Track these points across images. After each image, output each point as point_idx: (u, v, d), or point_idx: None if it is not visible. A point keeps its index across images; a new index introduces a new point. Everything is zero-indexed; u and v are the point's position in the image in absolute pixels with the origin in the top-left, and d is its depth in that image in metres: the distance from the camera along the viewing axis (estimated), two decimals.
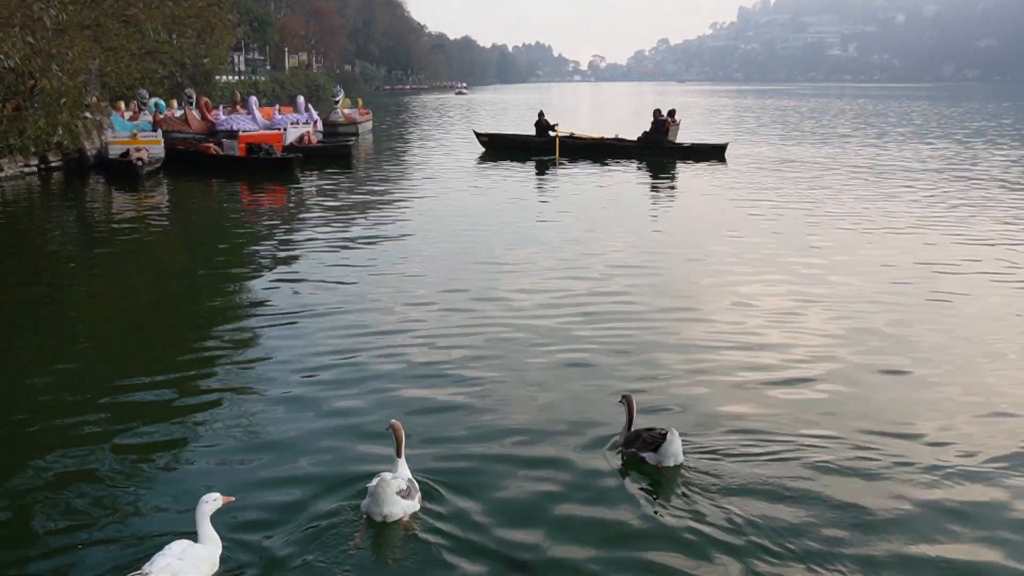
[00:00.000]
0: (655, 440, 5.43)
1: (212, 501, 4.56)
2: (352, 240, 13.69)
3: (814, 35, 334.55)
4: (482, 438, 6.05)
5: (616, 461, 5.66)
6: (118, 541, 4.77)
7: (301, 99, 33.31)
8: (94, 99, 24.09)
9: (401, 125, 46.51)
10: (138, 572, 4.16)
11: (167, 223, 16.18)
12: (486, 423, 6.32)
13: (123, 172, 21.54)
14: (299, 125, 28.67)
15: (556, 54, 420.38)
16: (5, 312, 9.76)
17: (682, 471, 5.45)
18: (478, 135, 29.89)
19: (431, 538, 4.80)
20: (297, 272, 11.49)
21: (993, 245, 13.10)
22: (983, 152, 28.43)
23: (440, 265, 11.75)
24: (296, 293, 10.28)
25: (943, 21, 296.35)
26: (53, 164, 22.92)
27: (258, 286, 10.79)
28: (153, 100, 28.28)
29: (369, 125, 40.11)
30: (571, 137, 28.14)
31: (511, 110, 65.97)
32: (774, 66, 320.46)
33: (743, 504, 5.08)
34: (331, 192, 19.71)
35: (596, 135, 29.04)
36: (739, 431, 6.15)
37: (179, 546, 4.35)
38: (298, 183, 21.19)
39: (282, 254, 12.91)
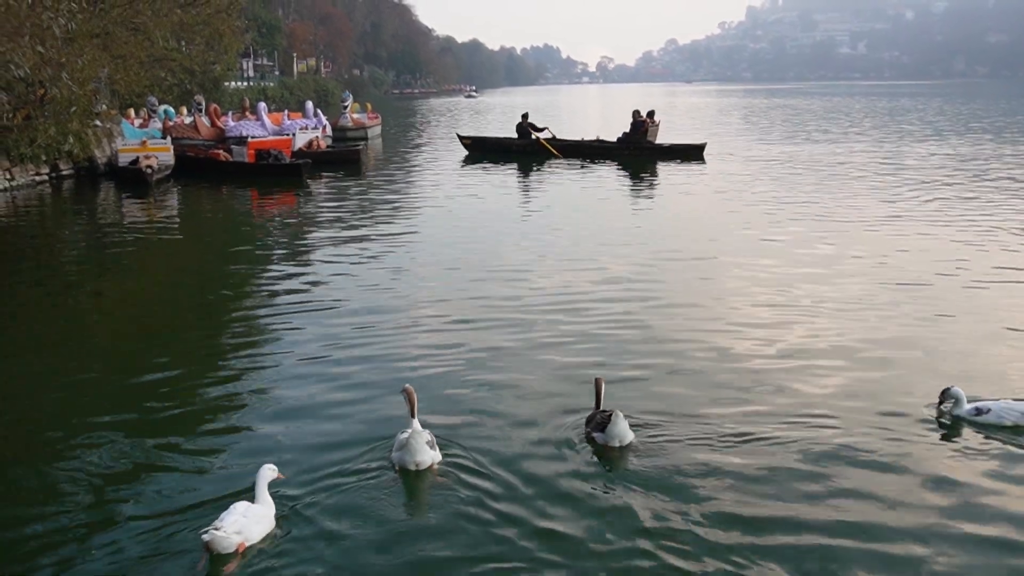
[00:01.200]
0: (603, 422, 5.79)
1: (270, 471, 5.11)
2: (361, 243, 13.77)
3: (823, 33, 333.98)
4: (475, 412, 6.60)
5: (580, 439, 6.05)
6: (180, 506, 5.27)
7: (310, 104, 33.37)
8: (104, 107, 24.23)
9: (411, 129, 46.59)
10: (211, 527, 4.68)
11: (178, 229, 16.25)
12: (482, 400, 6.87)
13: (133, 180, 21.62)
14: (308, 130, 28.74)
15: (564, 56, 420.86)
16: (21, 317, 9.82)
17: (631, 452, 5.77)
18: (461, 138, 30.44)
19: (454, 482, 5.46)
20: (307, 275, 11.63)
21: (961, 243, 13.13)
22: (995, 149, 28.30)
23: (447, 266, 11.89)
24: (308, 294, 10.48)
25: (953, 17, 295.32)
26: (64, 173, 23.04)
27: (270, 288, 10.94)
28: (163, 107, 28.43)
29: (378, 130, 40.13)
30: (553, 140, 28.35)
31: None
32: (783, 65, 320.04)
33: (676, 484, 5.38)
34: (340, 197, 19.76)
35: (576, 137, 29.39)
36: (696, 417, 6.43)
37: (242, 506, 4.87)
38: (307, 188, 21.25)
39: (292, 258, 13.05)
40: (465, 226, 15.48)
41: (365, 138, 36.02)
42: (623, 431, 5.73)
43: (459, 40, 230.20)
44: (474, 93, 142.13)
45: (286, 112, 33.06)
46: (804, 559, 4.60)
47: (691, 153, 26.51)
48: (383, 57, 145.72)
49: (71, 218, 17.90)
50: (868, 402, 6.71)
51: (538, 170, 24.46)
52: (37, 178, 21.94)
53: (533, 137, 28.22)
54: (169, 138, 24.64)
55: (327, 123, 32.96)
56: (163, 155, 22.99)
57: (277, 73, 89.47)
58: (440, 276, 11.33)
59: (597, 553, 4.66)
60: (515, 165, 25.57)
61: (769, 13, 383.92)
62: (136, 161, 22.13)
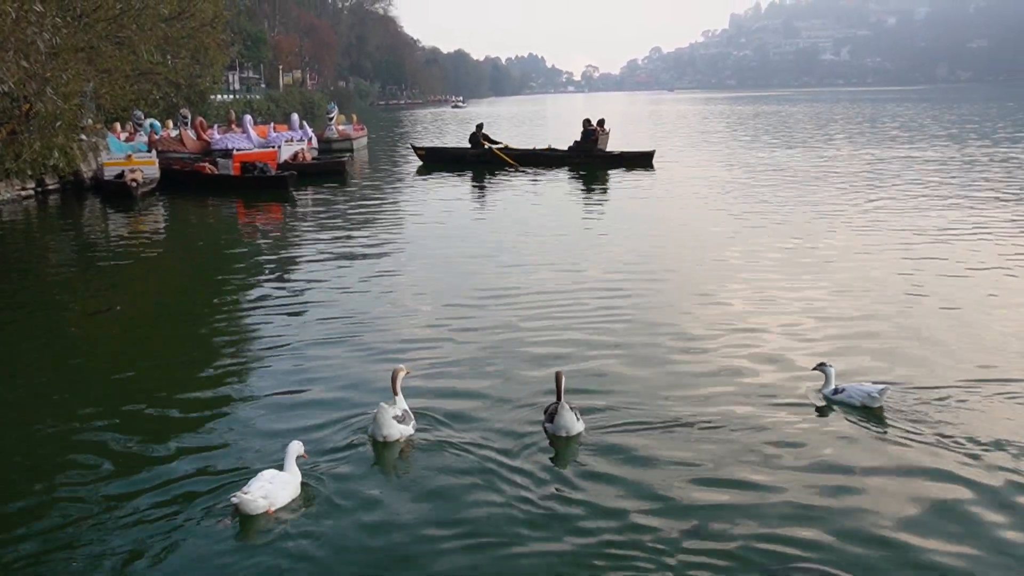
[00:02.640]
0: (552, 413, 6.16)
1: (298, 447, 5.56)
2: (346, 253, 13.90)
3: (806, 40, 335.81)
4: (450, 399, 7.14)
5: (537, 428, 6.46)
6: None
7: (295, 117, 33.38)
8: (89, 121, 24.23)
9: (397, 140, 46.66)
10: (241, 491, 5.12)
11: (164, 243, 16.29)
12: (456, 389, 7.39)
13: (119, 193, 21.63)
14: (293, 143, 28.79)
15: (549, 65, 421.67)
16: (7, 331, 9.83)
17: (578, 441, 6.16)
18: (415, 149, 31.23)
19: (419, 454, 6.07)
20: (293, 284, 11.80)
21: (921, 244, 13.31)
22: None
23: (433, 275, 12.11)
24: (294, 302, 10.68)
25: (935, 23, 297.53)
26: (50, 187, 23.02)
27: (256, 298, 11.06)
28: (148, 121, 28.41)
29: (364, 141, 40.19)
30: (505, 149, 28.86)
31: (504, 122, 66.23)
32: (767, 72, 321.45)
33: (616, 473, 5.72)
34: (325, 208, 19.85)
35: (529, 147, 30.16)
36: (644, 407, 6.84)
37: (269, 473, 5.32)
38: (293, 200, 21.31)
39: (278, 269, 13.15)
40: (447, 234, 15.78)
41: (351, 149, 36.04)
42: (569, 423, 6.10)
43: (444, 51, 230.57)
44: (461, 103, 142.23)
45: (272, 124, 33.09)
46: (730, 538, 4.89)
47: (640, 160, 27.19)
48: (368, 68, 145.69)
49: (57, 232, 17.91)
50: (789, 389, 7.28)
51: (497, 179, 24.97)
52: (23, 193, 21.92)
53: (486, 147, 28.78)
54: (155, 151, 24.65)
55: (313, 135, 32.99)
56: (149, 169, 23.00)
57: (263, 85, 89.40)
58: (424, 282, 11.60)
59: (522, 534, 4.98)
60: (472, 175, 26.14)
61: (752, 21, 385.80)
62: (122, 175, 22.14)
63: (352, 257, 13.67)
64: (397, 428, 6.17)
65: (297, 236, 16.14)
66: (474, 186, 23.82)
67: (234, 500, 5.11)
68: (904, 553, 4.74)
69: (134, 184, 21.49)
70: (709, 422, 6.51)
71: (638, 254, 13.27)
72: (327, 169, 26.80)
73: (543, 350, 8.37)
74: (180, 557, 4.84)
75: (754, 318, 9.48)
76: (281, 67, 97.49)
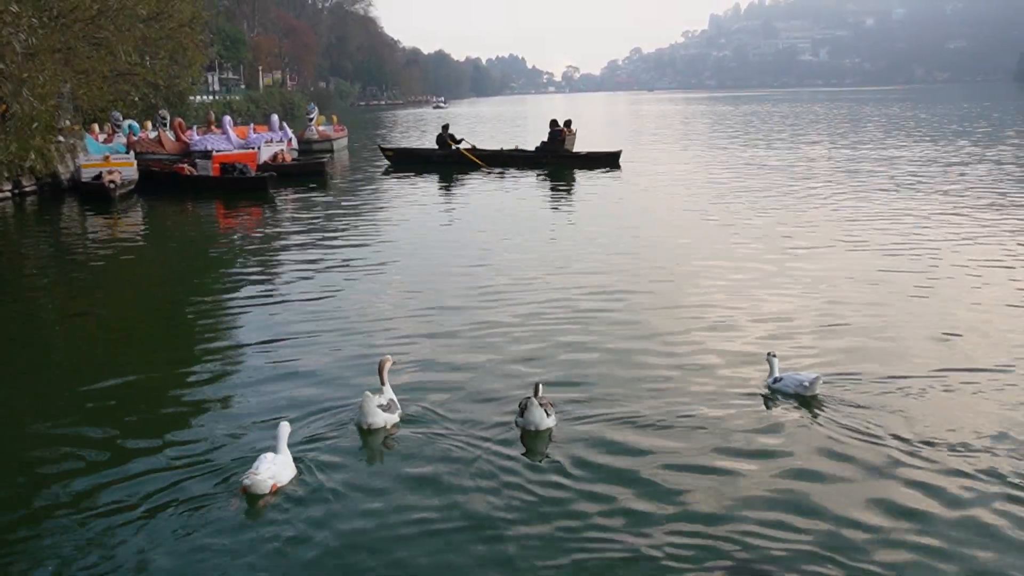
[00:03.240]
0: (523, 409, 6.38)
1: (287, 427, 5.85)
2: (326, 254, 13.89)
3: (785, 41, 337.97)
4: (431, 392, 7.34)
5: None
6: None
7: (275, 117, 33.31)
8: (67, 123, 24.06)
9: (378, 141, 46.51)
10: (250, 473, 5.46)
11: (142, 244, 16.21)
12: (437, 383, 7.60)
13: (96, 195, 21.50)
14: (273, 143, 28.72)
15: (530, 66, 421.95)
16: None
17: (546, 435, 6.33)
18: (383, 150, 31.45)
19: (403, 442, 6.30)
20: (272, 287, 11.74)
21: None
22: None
23: (413, 274, 12.19)
24: (273, 303, 10.66)
25: (912, 24, 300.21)
26: (27, 189, 22.84)
27: (235, 302, 11.00)
28: (127, 122, 28.23)
29: (344, 141, 40.14)
30: (473, 149, 29.06)
31: (486, 122, 66.30)
32: (747, 72, 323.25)
33: (575, 462, 5.94)
34: (305, 209, 19.83)
35: (496, 147, 30.42)
36: (613, 403, 7.02)
37: (270, 456, 5.62)
38: (272, 202, 21.26)
39: (257, 271, 13.13)
40: (426, 233, 15.92)
41: (331, 150, 36.02)
42: (538, 418, 6.29)
43: (425, 51, 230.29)
44: (442, 104, 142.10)
45: (252, 125, 32.98)
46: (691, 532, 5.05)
47: (607, 160, 27.45)
48: (349, 69, 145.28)
49: (34, 234, 17.78)
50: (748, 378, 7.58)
51: (468, 179, 25.13)
52: None
53: (453, 148, 28.94)
54: (133, 153, 24.51)
55: (293, 136, 32.92)
56: (127, 170, 22.86)
57: (242, 86, 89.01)
58: (405, 281, 11.69)
59: (495, 517, 5.23)
60: (441, 176, 26.20)
61: (732, 21, 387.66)
62: (99, 176, 22.01)
63: (332, 257, 13.68)
64: (382, 416, 6.41)
65: (277, 237, 16.10)
66: (449, 187, 23.84)
67: (246, 482, 5.45)
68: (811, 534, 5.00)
69: (112, 186, 21.37)
70: (669, 414, 6.75)
71: (609, 252, 13.53)
72: (307, 170, 26.74)
73: (522, 346, 8.56)
74: (195, 536, 5.06)
75: (723, 313, 9.71)
76: (261, 68, 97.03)
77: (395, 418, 6.53)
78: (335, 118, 43.12)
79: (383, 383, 6.70)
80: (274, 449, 5.71)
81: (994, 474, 5.65)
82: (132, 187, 22.72)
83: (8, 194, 22.10)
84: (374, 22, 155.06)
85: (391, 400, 6.60)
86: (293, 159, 29.04)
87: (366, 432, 6.38)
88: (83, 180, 22.52)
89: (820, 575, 4.59)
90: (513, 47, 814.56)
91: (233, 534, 5.10)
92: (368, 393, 6.46)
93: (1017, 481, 5.54)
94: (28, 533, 5.18)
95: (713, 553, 4.81)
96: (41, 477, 5.93)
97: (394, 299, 10.73)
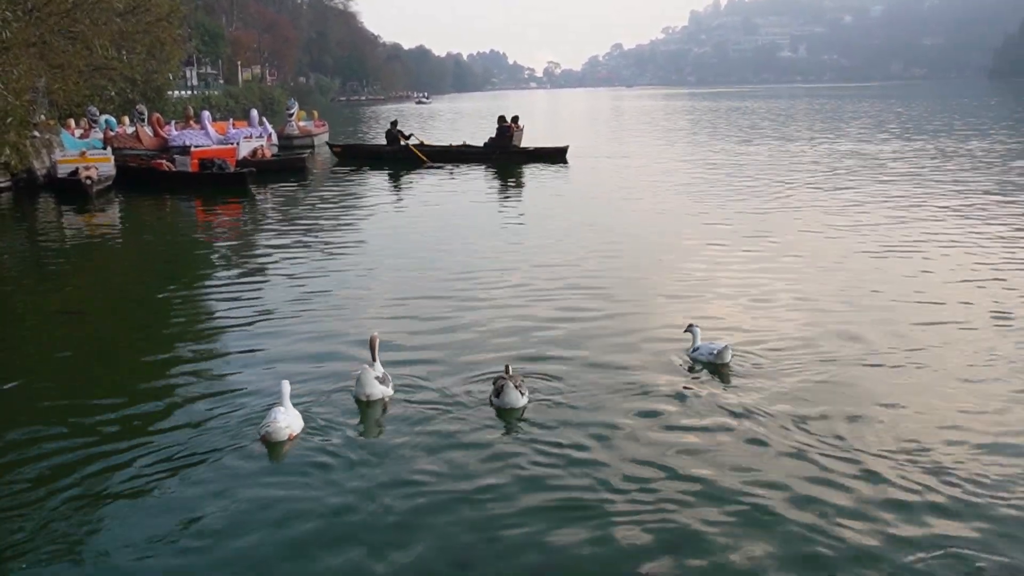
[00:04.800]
0: (498, 390, 6.76)
1: (288, 385, 6.42)
2: (307, 248, 13.84)
3: (765, 37, 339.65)
4: (415, 369, 7.84)
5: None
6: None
7: (255, 113, 33.09)
8: (42, 118, 23.74)
9: (360, 137, 46.34)
10: (266, 422, 6.10)
11: (119, 241, 16.02)
12: (420, 363, 8.00)
13: (73, 191, 21.21)
14: (252, 139, 28.47)
15: (511, 61, 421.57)
16: None
17: (520, 415, 6.68)
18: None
19: (396, 411, 6.77)
20: (254, 279, 11.80)
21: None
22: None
23: (393, 265, 12.47)
24: (256, 297, 10.67)
25: (889, 21, 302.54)
26: (1, 185, 22.49)
27: (216, 293, 11.02)
28: (104, 117, 27.95)
29: (325, 137, 39.84)
30: (421, 146, 29.23)
31: (468, 118, 66.13)
32: (726, 69, 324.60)
33: (546, 441, 6.26)
34: (285, 205, 19.68)
35: (445, 143, 30.83)
36: (580, 384, 7.35)
37: (281, 408, 6.22)
38: (252, 197, 21.07)
39: (237, 264, 13.09)
40: (414, 229, 15.90)
41: (312, 146, 35.80)
42: (513, 399, 6.68)
43: (406, 47, 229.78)
44: (425, 99, 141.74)
45: (231, 121, 32.75)
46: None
47: (555, 156, 27.84)
48: (329, 64, 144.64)
49: (9, 231, 17.50)
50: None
51: (426, 175, 25.25)
52: None
53: (402, 143, 29.08)
54: (110, 148, 24.22)
55: (272, 131, 32.67)
56: (103, 166, 22.56)
57: (221, 81, 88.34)
58: (385, 271, 11.98)
59: (478, 475, 5.72)
60: (392, 171, 26.41)
61: (712, 18, 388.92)
62: (76, 172, 21.71)
63: (312, 250, 13.73)
64: (379, 388, 6.87)
65: (257, 232, 15.97)
66: (407, 182, 23.88)
67: (267, 431, 6.06)
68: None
69: (89, 182, 21.07)
70: (622, 389, 7.21)
71: (575, 241, 14.09)
72: (287, 166, 26.52)
73: (499, 324, 9.14)
74: (221, 484, 5.57)
75: (684, 298, 10.25)
76: (240, 63, 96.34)
77: (389, 391, 6.95)
78: (315, 113, 42.83)
79: (374, 359, 7.03)
80: (280, 403, 6.27)
81: (858, 450, 5.99)
82: (109, 183, 22.43)
83: None
84: (354, 17, 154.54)
85: (385, 374, 7.00)
86: (273, 155, 28.80)
87: (364, 403, 6.82)
88: (59, 176, 22.21)
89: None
90: (494, 43, 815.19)
91: (255, 481, 5.64)
92: (366, 366, 6.91)
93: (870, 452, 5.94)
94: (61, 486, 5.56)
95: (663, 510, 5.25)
96: (58, 451, 6.16)
97: (376, 288, 11.01)
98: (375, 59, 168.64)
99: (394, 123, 30.76)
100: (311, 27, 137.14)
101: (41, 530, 5.06)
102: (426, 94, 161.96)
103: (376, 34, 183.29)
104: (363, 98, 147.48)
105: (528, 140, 30.11)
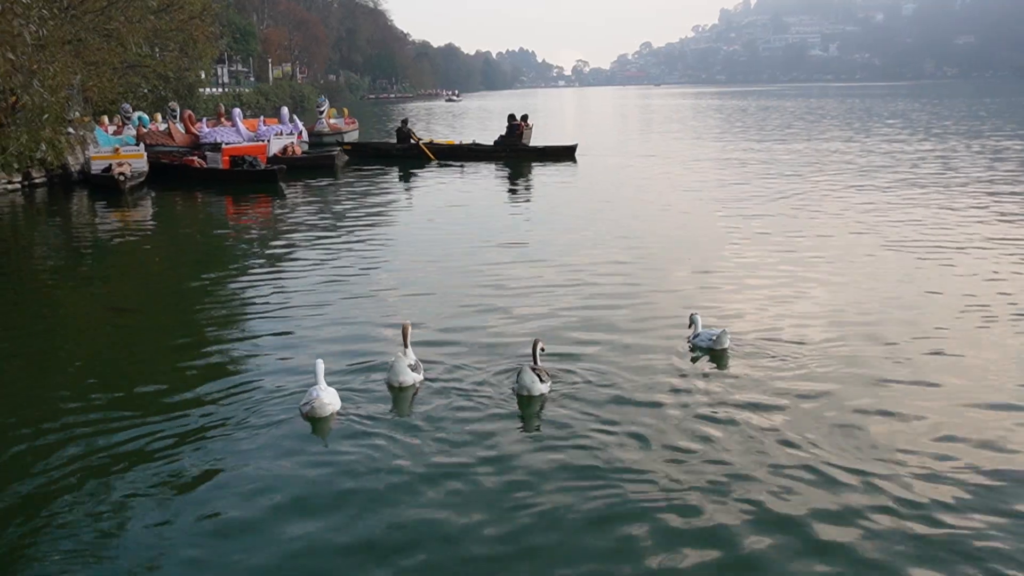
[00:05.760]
0: (516, 373, 7.03)
1: (322, 364, 6.69)
2: (338, 243, 13.98)
3: (795, 35, 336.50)
4: (447, 356, 8.23)
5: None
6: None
7: (285, 110, 33.23)
8: (77, 114, 24.05)
9: (389, 134, 46.46)
10: (308, 399, 6.49)
11: (152, 236, 16.17)
12: (450, 349, 8.39)
13: (106, 187, 21.47)
14: (283, 136, 28.62)
15: (540, 60, 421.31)
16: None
17: (540, 400, 6.89)
18: (340, 145, 31.79)
19: (427, 397, 7.01)
20: (288, 272, 11.99)
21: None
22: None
23: (424, 260, 12.59)
24: (291, 288, 10.87)
25: (922, 19, 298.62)
26: (37, 180, 22.82)
27: (247, 290, 11.08)
28: (137, 114, 28.20)
29: (355, 135, 40.00)
30: (430, 144, 29.44)
31: (497, 116, 65.99)
32: (756, 67, 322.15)
33: (564, 427, 6.50)
34: (314, 202, 19.78)
35: (454, 141, 31.02)
36: (603, 372, 7.61)
37: (318, 387, 6.54)
38: (282, 194, 21.21)
39: (268, 261, 13.16)
40: (437, 225, 16.09)
41: (341, 143, 35.92)
42: (529, 383, 6.86)
43: (435, 45, 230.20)
44: (455, 97, 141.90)
45: (262, 118, 32.93)
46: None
47: (563, 154, 27.95)
48: (359, 62, 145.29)
49: (44, 226, 17.75)
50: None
51: (430, 173, 25.35)
52: (9, 186, 21.73)
53: (412, 141, 29.34)
54: (143, 145, 24.46)
55: (303, 128, 32.83)
56: (136, 162, 22.81)
57: (252, 79, 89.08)
58: (416, 265, 12.16)
59: (510, 456, 6.01)
60: (402, 169, 26.47)
61: (742, 16, 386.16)
62: (109, 168, 21.97)
63: (341, 245, 13.87)
64: (411, 375, 7.12)
65: (289, 227, 16.06)
66: (422, 179, 23.91)
67: (310, 407, 6.44)
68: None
69: (122, 178, 21.32)
70: (637, 376, 7.43)
71: (609, 234, 14.13)
72: (317, 163, 26.65)
73: (523, 312, 9.50)
74: (267, 458, 5.94)
75: (703, 294, 10.33)
76: (271, 60, 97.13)
77: (420, 377, 7.22)
78: (346, 111, 43.01)
79: (406, 346, 7.34)
80: (315, 383, 6.57)
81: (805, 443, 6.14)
82: (142, 179, 22.67)
83: (18, 185, 22.09)
84: (384, 15, 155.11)
85: (416, 361, 7.28)
86: (303, 152, 28.96)
87: (397, 389, 7.07)
88: (93, 172, 22.49)
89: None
90: (523, 41, 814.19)
91: (306, 442, 6.17)
92: (400, 354, 7.19)
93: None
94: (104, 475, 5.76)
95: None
96: (101, 433, 6.42)
97: (406, 282, 11.22)
98: (404, 57, 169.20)
99: (404, 121, 31.11)
100: (341, 25, 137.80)
101: (100, 504, 5.35)
102: (456, 92, 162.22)
103: (405, 32, 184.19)
104: (392, 96, 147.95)
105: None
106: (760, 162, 25.91)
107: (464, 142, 30.34)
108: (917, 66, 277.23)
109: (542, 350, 7.29)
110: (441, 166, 26.96)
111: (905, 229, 14.25)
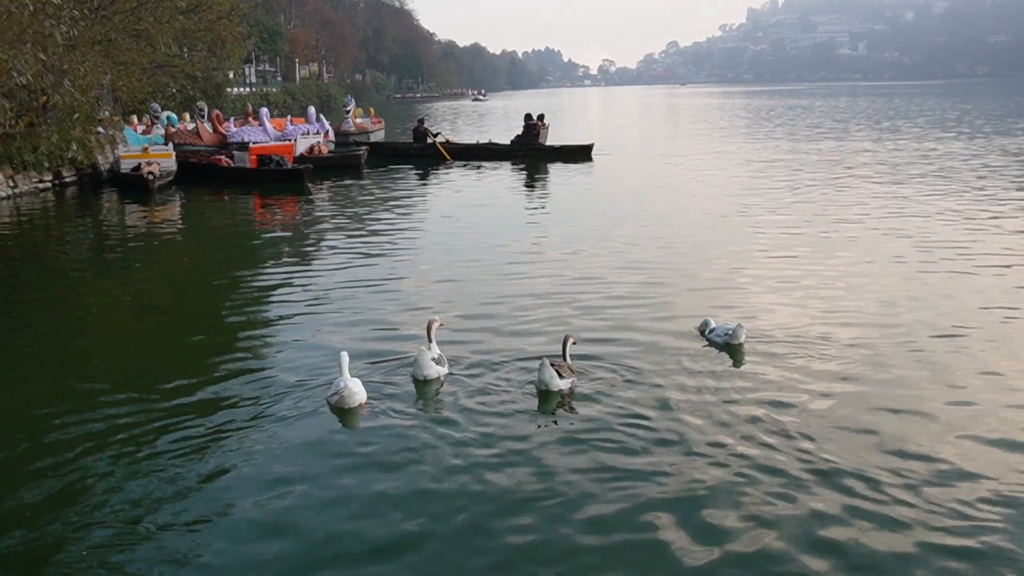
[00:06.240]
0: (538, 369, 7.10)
1: (346, 356, 6.82)
2: (365, 241, 14.11)
3: (823, 34, 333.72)
4: (471, 351, 8.37)
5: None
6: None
7: (312, 110, 33.34)
8: (107, 114, 24.27)
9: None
10: (336, 390, 6.64)
11: (180, 235, 16.30)
12: (477, 344, 8.56)
13: (135, 186, 21.65)
14: (309, 136, 28.72)
15: (566, 59, 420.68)
16: (26, 322, 9.82)
17: (560, 395, 7.01)
18: (357, 144, 31.93)
19: (451, 390, 7.16)
20: (315, 270, 12.17)
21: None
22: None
23: (449, 258, 12.77)
24: (310, 291, 10.86)
25: (953, 17, 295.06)
26: (67, 179, 23.06)
27: (276, 287, 11.21)
28: (165, 114, 28.41)
29: (381, 134, 40.10)
30: (447, 144, 29.51)
31: (520, 115, 66.00)
32: (784, 66, 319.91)
33: (582, 422, 6.72)
34: (341, 201, 19.85)
35: (471, 141, 31.30)
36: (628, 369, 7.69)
37: (344, 378, 6.67)
38: (308, 193, 21.29)
39: (295, 258, 13.33)
40: (459, 223, 16.20)
41: (368, 143, 35.99)
42: (548, 378, 6.95)
43: (460, 44, 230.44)
44: (482, 97, 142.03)
45: (289, 118, 33.05)
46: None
47: (580, 153, 28.00)
48: (385, 62, 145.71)
49: (74, 225, 17.92)
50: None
51: (451, 172, 25.47)
52: (40, 185, 21.96)
53: (429, 141, 29.42)
54: (171, 144, 24.64)
55: (329, 128, 32.92)
56: (165, 161, 22.98)
57: (279, 78, 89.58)
58: (441, 264, 12.29)
59: (536, 447, 6.19)
60: (429, 168, 26.62)
61: (770, 15, 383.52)
62: (138, 167, 22.14)
63: (369, 242, 14.02)
64: (435, 368, 7.27)
65: (316, 226, 16.19)
66: (449, 180, 24.00)
67: (339, 397, 6.61)
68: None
69: (151, 177, 21.48)
70: (659, 370, 7.57)
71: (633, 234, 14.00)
72: (343, 162, 26.73)
73: (546, 311, 9.56)
74: (298, 444, 6.17)
75: (724, 293, 10.39)
76: (297, 60, 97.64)
77: (445, 370, 7.36)
78: (372, 111, 43.13)
79: (430, 341, 7.47)
80: (340, 375, 6.71)
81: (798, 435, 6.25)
82: (170, 178, 22.85)
83: (49, 184, 22.33)
84: (410, 15, 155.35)
85: (440, 355, 7.42)
86: (330, 151, 29.05)
87: (421, 382, 7.22)
88: (122, 171, 22.69)
89: None
90: (549, 40, 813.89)
91: (336, 432, 6.38)
92: (423, 348, 7.35)
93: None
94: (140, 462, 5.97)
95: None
96: (137, 422, 6.62)
97: (431, 279, 11.39)
98: (430, 56, 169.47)
99: (421, 121, 31.28)
100: (367, 25, 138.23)
101: (138, 491, 5.51)
102: (483, 91, 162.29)
103: (431, 31, 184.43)
104: (418, 95, 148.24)
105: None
106: (788, 162, 25.74)
107: (481, 142, 30.52)
108: (948, 65, 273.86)
109: (573, 343, 7.45)
110: (463, 165, 27.02)
111: (934, 227, 14.15)
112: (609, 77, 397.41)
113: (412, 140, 30.47)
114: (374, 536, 4.96)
